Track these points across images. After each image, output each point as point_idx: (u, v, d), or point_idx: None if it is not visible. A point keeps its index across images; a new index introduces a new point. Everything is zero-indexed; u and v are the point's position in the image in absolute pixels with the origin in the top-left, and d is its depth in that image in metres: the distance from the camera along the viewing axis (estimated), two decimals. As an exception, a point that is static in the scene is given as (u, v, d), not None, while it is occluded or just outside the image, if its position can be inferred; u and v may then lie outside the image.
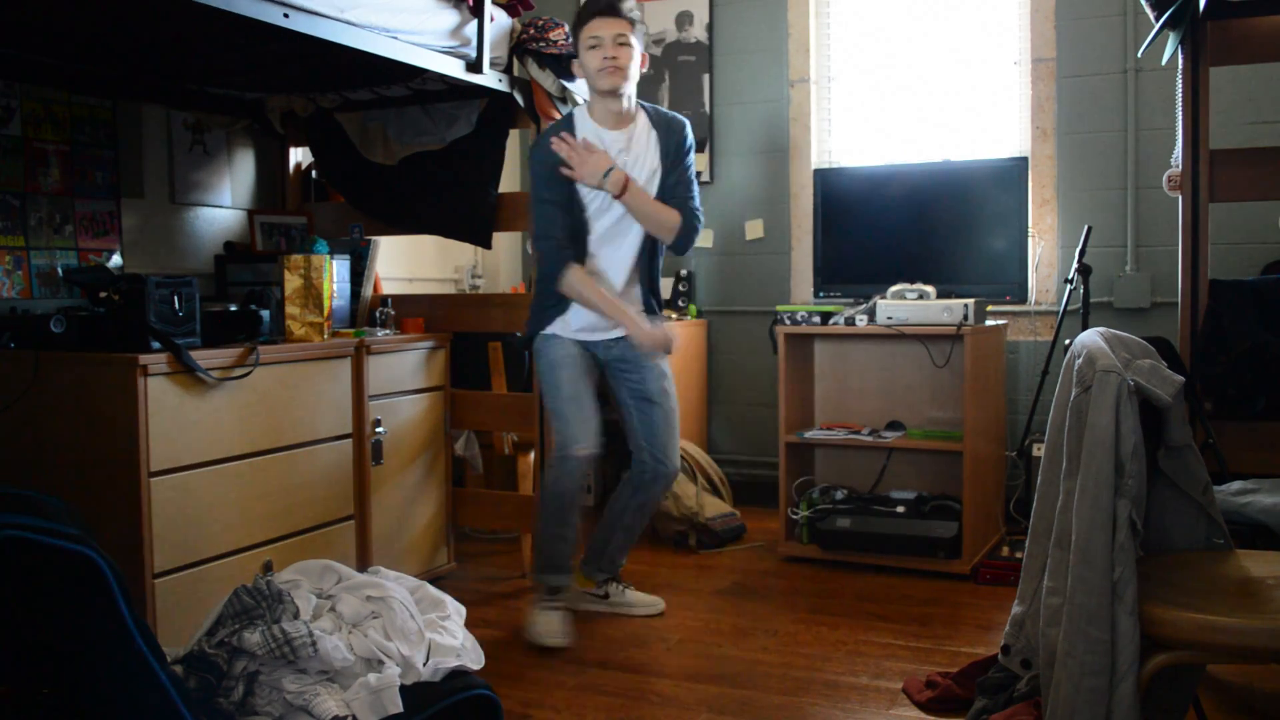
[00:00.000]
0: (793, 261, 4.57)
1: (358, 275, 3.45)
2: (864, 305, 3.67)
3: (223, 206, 3.60)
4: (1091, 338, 1.88)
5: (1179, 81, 2.81)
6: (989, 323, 3.71)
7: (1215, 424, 2.74)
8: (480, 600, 3.30)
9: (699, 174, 4.66)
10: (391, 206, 3.57)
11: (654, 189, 2.96)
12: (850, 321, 3.64)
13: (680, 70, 4.72)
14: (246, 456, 2.67)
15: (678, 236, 2.96)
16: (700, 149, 4.66)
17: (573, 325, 2.99)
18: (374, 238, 3.57)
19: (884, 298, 3.63)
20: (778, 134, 4.58)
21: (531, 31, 3.26)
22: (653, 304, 3.09)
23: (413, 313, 3.49)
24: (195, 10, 2.26)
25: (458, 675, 2.09)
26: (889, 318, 3.57)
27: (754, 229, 4.63)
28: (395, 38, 2.79)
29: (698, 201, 3.01)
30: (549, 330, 3.00)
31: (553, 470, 2.92)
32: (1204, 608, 1.69)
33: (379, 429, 3.13)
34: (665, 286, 4.55)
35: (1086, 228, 3.72)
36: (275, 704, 1.89)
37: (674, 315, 4.55)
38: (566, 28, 3.31)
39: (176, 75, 3.26)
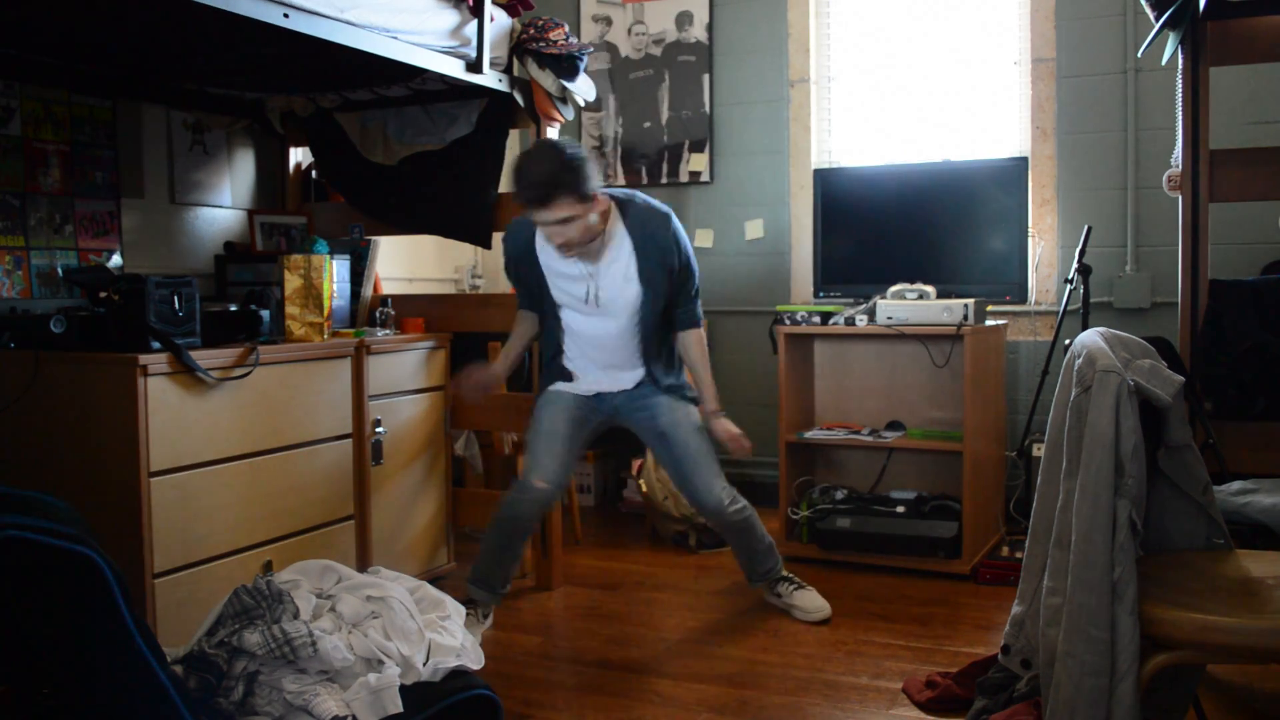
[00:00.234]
0: (793, 261, 4.57)
1: (358, 275, 3.45)
2: (864, 305, 3.67)
3: (223, 206, 3.60)
4: (1091, 338, 1.88)
5: (1179, 81, 2.81)
6: (989, 323, 3.71)
7: (1215, 424, 2.74)
8: (480, 600, 3.30)
9: (698, 174, 4.68)
10: (391, 206, 3.57)
11: (636, 291, 2.89)
12: (850, 321, 3.64)
13: (680, 70, 4.72)
14: (246, 456, 2.67)
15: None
16: (700, 149, 4.66)
17: (582, 387, 3.03)
18: (374, 238, 3.57)
19: (884, 298, 3.63)
20: (777, 134, 4.58)
21: (531, 31, 3.26)
22: (659, 380, 3.00)
23: (413, 313, 3.49)
24: (195, 10, 2.26)
25: (458, 675, 2.09)
26: (889, 318, 3.57)
27: (754, 229, 4.63)
28: (395, 38, 2.79)
29: (699, 284, 3.03)
30: (555, 389, 3.05)
31: (511, 494, 2.96)
32: (1204, 608, 1.69)
33: (379, 429, 3.13)
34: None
35: (1086, 228, 3.72)
36: (275, 704, 1.89)
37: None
38: (567, 27, 3.31)
39: (176, 75, 3.26)
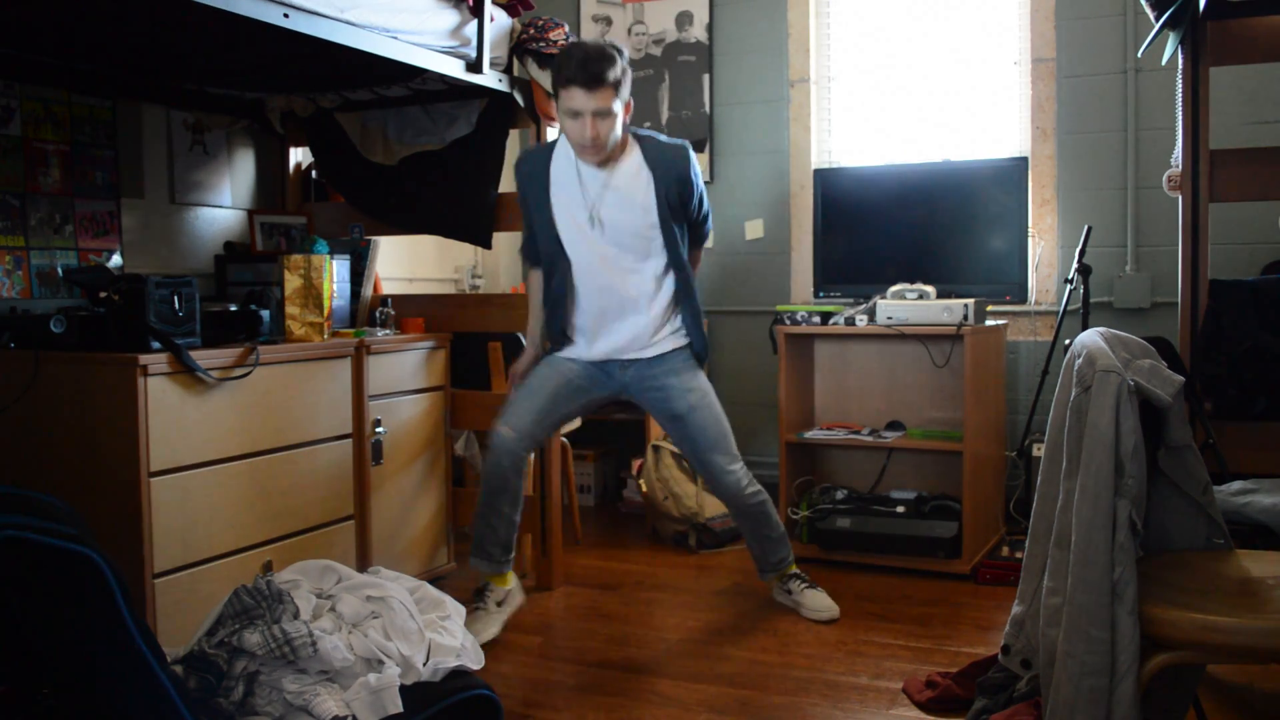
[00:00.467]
0: (793, 261, 4.57)
1: (358, 275, 3.45)
2: (864, 305, 3.67)
3: (223, 206, 3.60)
4: (1091, 338, 1.88)
5: (1179, 81, 2.81)
6: (989, 323, 3.71)
7: (1215, 424, 2.74)
8: (480, 600, 3.30)
9: (699, 174, 4.68)
10: (391, 206, 3.58)
11: (647, 221, 2.88)
12: (850, 321, 3.64)
13: (680, 70, 4.72)
14: (246, 456, 2.67)
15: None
16: (700, 149, 4.66)
17: (589, 351, 3.00)
18: (374, 238, 3.57)
19: (884, 298, 3.63)
20: (777, 134, 4.58)
21: (531, 31, 3.26)
22: (686, 334, 3.00)
23: (413, 313, 3.49)
24: (195, 10, 2.26)
25: (458, 675, 2.10)
26: (889, 318, 3.57)
27: (754, 229, 4.63)
28: (395, 38, 2.79)
29: (708, 207, 3.04)
30: (562, 354, 3.03)
31: (487, 450, 2.97)
32: (1204, 608, 1.69)
33: (379, 429, 3.13)
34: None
35: (1086, 228, 3.72)
36: (275, 704, 1.89)
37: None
38: (566, 28, 3.31)
39: (176, 75, 3.26)
